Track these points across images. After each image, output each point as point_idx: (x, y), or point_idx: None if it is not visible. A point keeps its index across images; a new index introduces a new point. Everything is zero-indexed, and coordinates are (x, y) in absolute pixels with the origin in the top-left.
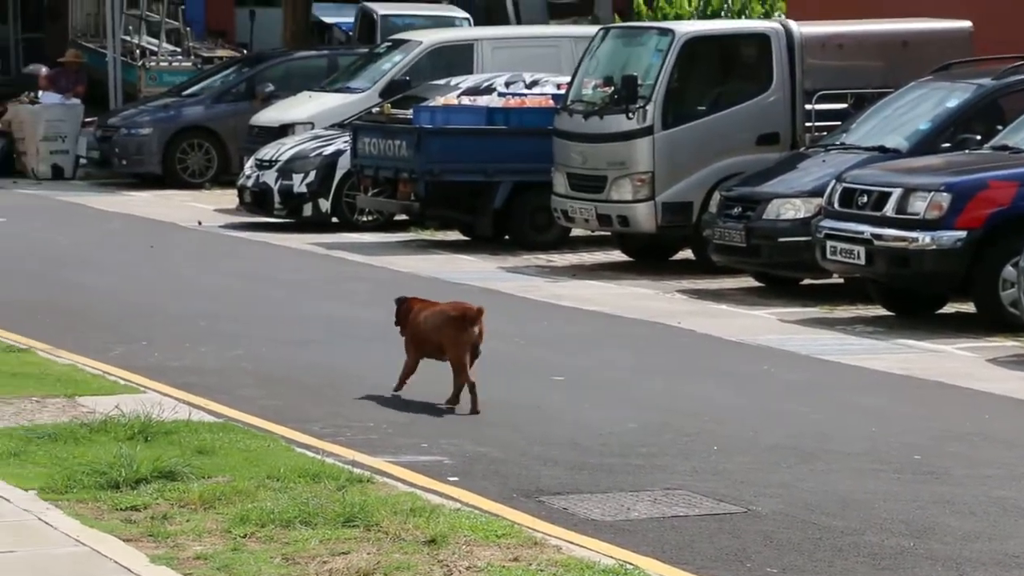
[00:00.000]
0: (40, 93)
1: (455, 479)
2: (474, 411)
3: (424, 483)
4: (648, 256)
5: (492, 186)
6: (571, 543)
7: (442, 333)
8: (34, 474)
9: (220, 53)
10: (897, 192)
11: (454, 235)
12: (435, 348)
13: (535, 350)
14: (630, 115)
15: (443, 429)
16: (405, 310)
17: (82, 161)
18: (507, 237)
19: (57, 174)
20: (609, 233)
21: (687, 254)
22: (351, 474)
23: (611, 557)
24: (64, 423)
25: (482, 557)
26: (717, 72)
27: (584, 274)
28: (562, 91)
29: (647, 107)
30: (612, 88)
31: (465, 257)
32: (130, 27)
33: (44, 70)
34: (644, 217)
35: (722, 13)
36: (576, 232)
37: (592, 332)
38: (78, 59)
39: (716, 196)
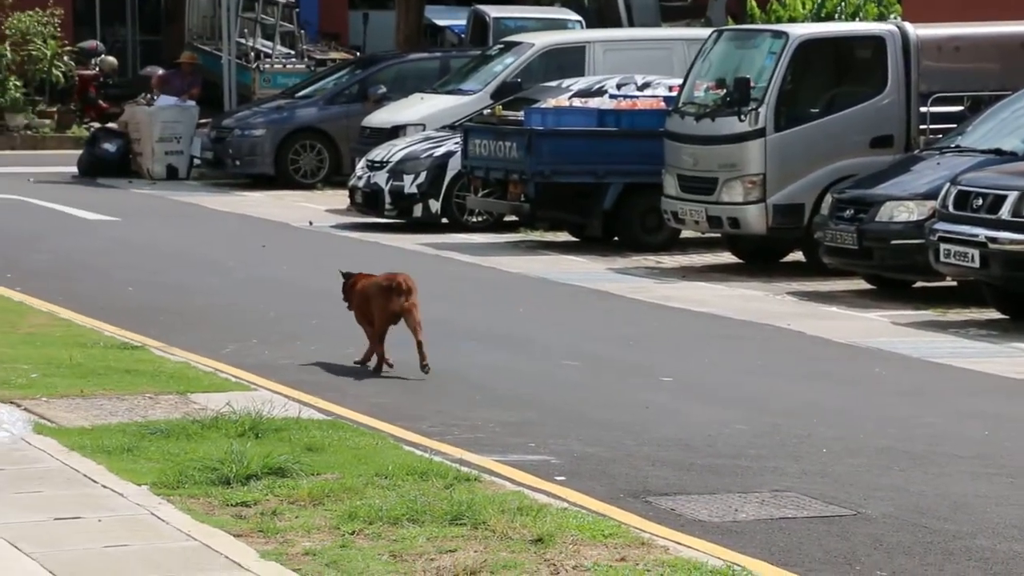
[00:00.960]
0: (155, 95)
1: (562, 478)
2: (423, 367)
3: (531, 482)
4: (758, 258)
5: (602, 187)
6: (678, 544)
7: (373, 302)
8: (147, 469)
9: (333, 55)
10: (1013, 195)
11: (563, 236)
12: (370, 317)
13: (644, 351)
14: (742, 117)
15: (551, 429)
16: (350, 285)
17: (196, 162)
18: (617, 238)
19: (172, 174)
20: (719, 235)
21: (798, 256)
22: (459, 472)
23: (718, 558)
24: (176, 419)
25: (589, 556)
26: (831, 74)
27: (694, 276)
28: (674, 93)
29: (759, 109)
30: (724, 90)
31: (574, 258)
32: (245, 30)
33: (160, 72)
34: (755, 219)
35: (836, 15)
36: (686, 234)
37: (701, 333)
38: (193, 60)
39: (828, 198)
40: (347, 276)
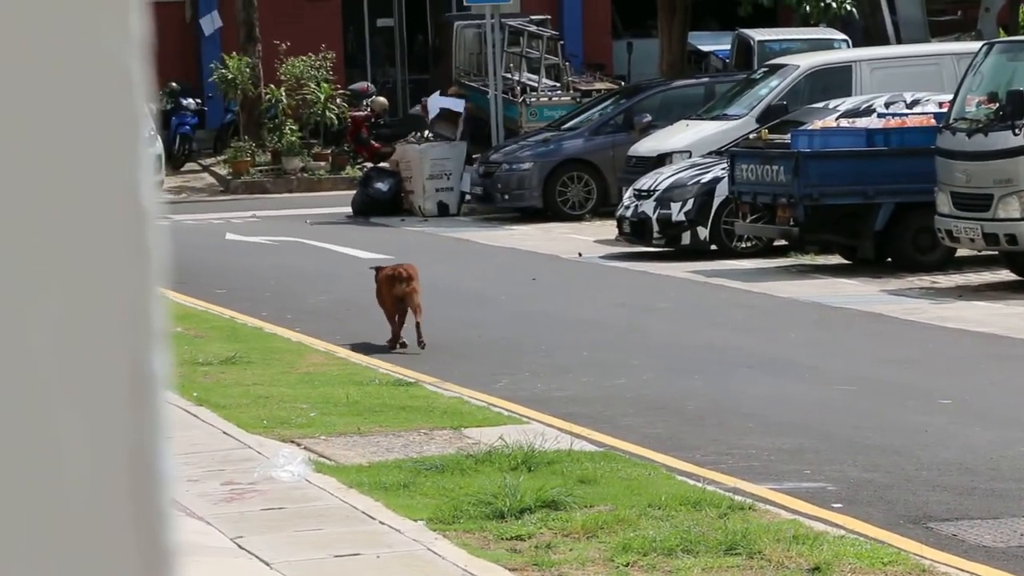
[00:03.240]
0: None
1: (839, 506)
2: (419, 343)
3: (807, 510)
4: None
5: (873, 208)
6: (961, 570)
7: (383, 289)
8: (423, 505)
9: (598, 86)
10: None
11: (835, 259)
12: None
13: (920, 373)
14: (1017, 131)
15: (827, 455)
16: (376, 277)
17: (466, 197)
18: (889, 259)
19: (443, 211)
20: (996, 252)
21: None
22: (732, 501)
23: None
24: (450, 454)
25: None
26: None
27: (970, 295)
28: (944, 109)
29: None
30: (997, 104)
31: (846, 281)
32: (511, 64)
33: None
34: None
35: None
36: (961, 252)
37: (980, 354)
38: (459, 94)
39: None
40: (377, 270)
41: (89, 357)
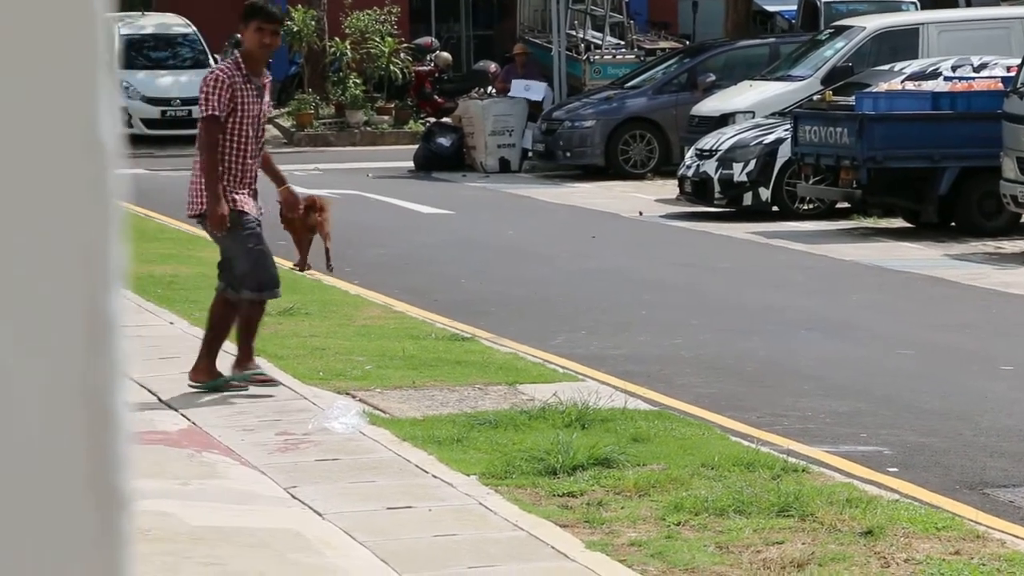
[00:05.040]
0: (494, 93)
1: (895, 470)
2: (328, 267)
3: (862, 473)
4: None
5: (937, 172)
6: (1016, 537)
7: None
8: (475, 460)
9: (662, 44)
10: None
11: (897, 222)
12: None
13: (982, 339)
14: None
15: (884, 419)
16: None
17: (528, 154)
18: (953, 224)
19: (504, 167)
20: None
21: None
22: (786, 463)
23: None
24: (504, 410)
25: (921, 550)
26: None
27: None
28: (1012, 74)
29: None
30: None
31: (909, 245)
32: (575, 22)
33: (493, 66)
34: None
35: None
36: None
37: None
38: (525, 51)
39: None
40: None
41: (44, 297)
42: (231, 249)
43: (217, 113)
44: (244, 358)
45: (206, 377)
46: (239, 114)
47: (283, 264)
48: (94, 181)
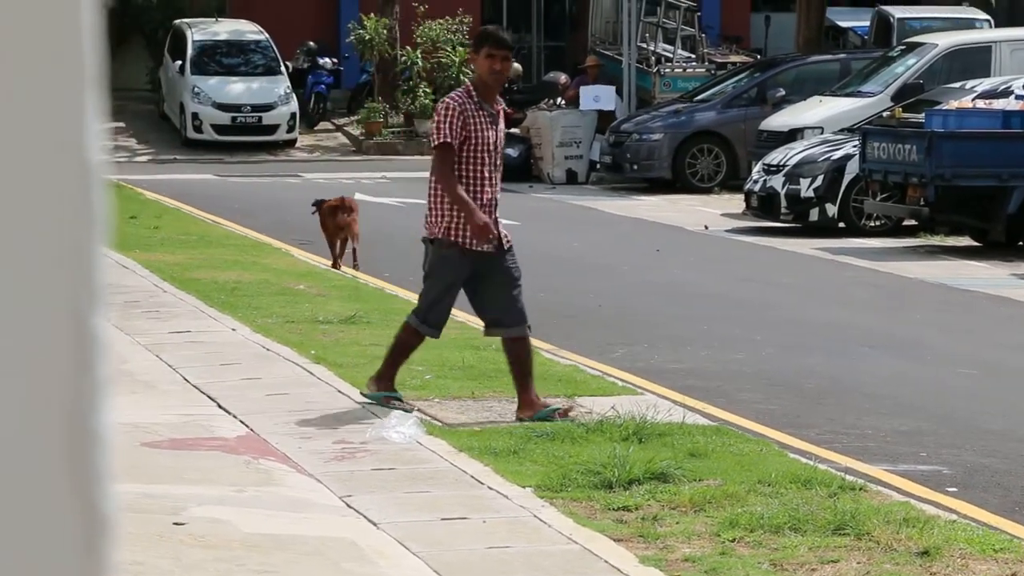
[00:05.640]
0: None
1: (953, 490)
2: (355, 265)
3: (920, 493)
4: None
5: (1006, 191)
6: None
7: (325, 218)
8: (531, 472)
9: (733, 59)
10: None
11: (964, 241)
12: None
13: None
14: None
15: (945, 439)
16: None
17: (596, 166)
18: (1021, 243)
19: (571, 179)
20: None
21: None
22: (844, 481)
23: None
24: (562, 422)
25: (977, 571)
26: None
27: None
28: None
29: None
30: None
31: (976, 263)
32: (646, 34)
33: (563, 78)
34: None
35: None
36: None
37: None
38: (596, 64)
39: None
40: (320, 202)
41: (28, 315)
42: (435, 270)
43: (450, 140)
44: (387, 377)
45: (378, 388)
46: (473, 142)
47: (322, 263)
48: (80, 199)
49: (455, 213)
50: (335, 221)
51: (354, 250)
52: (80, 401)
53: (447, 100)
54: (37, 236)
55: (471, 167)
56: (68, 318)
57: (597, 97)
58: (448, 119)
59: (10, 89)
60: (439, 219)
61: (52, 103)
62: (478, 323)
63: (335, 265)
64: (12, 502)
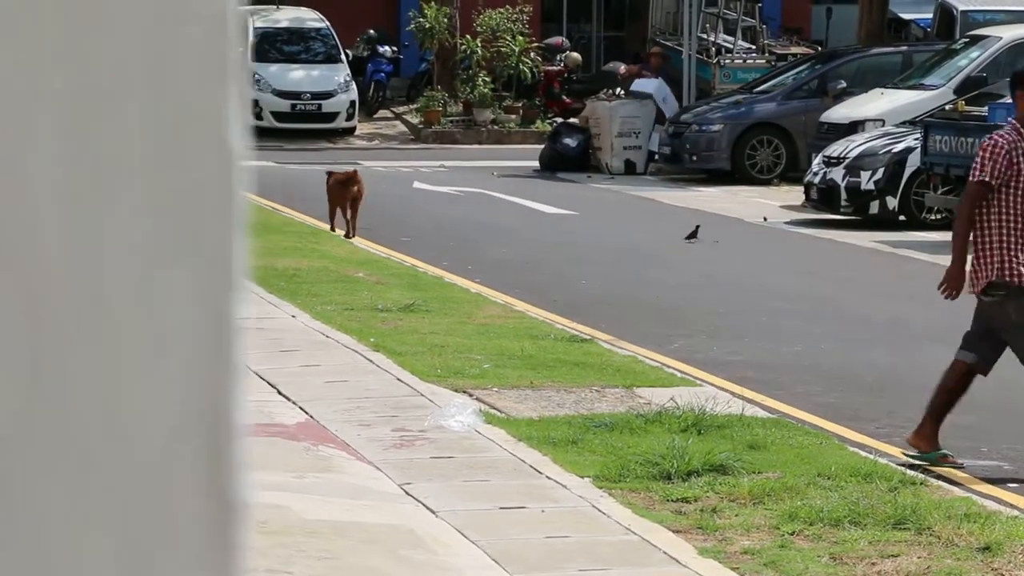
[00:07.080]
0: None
1: (1015, 485)
2: (351, 233)
3: (981, 488)
4: None
5: None
6: None
7: (334, 189)
8: (590, 462)
9: (794, 50)
10: None
11: None
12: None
13: None
14: None
15: (1007, 434)
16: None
17: (654, 157)
18: None
19: (630, 169)
20: None
21: None
22: (904, 475)
23: None
24: (621, 413)
25: None
26: None
27: None
28: None
29: None
30: None
31: None
32: (707, 25)
33: (622, 68)
34: None
35: None
36: None
37: None
38: (661, 54)
39: None
40: (329, 174)
41: (170, 307)
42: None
43: (988, 180)
44: (930, 433)
45: (927, 447)
46: (1021, 180)
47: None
48: (222, 184)
49: (1012, 250)
50: (344, 193)
51: (354, 219)
52: (219, 393)
53: (995, 137)
54: (181, 225)
55: (1020, 206)
56: (210, 305)
57: (643, 84)
58: (993, 158)
59: (151, 68)
60: (990, 262)
61: (196, 89)
62: (538, 313)
63: (333, 229)
64: (151, 494)
